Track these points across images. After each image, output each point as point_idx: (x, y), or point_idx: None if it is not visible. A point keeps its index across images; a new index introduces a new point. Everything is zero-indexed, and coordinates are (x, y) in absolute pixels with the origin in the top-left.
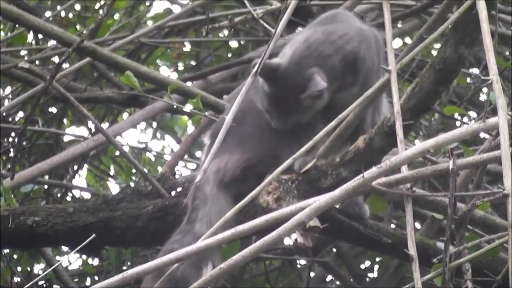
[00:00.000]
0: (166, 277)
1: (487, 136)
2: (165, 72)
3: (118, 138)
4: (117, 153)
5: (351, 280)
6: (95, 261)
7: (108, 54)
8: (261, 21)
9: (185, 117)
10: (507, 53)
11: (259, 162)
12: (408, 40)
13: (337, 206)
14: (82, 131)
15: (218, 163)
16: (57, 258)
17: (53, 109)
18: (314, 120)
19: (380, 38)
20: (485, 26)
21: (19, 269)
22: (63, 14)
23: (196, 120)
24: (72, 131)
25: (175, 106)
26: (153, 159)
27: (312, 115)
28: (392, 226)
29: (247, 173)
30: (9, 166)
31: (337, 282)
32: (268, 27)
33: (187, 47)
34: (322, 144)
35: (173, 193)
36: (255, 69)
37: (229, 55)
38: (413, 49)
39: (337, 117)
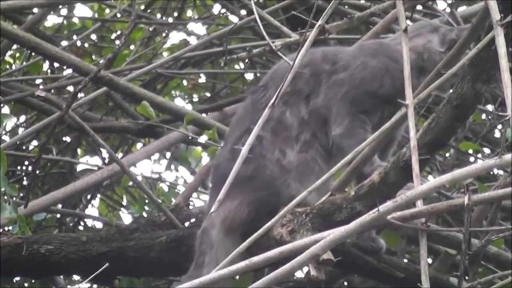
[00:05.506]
0: None
1: (500, 172)
2: (180, 103)
3: (132, 168)
4: (130, 183)
5: None
6: None
7: (125, 84)
8: (280, 53)
9: (199, 148)
10: None
11: (262, 204)
12: None
13: (349, 240)
14: (95, 160)
15: (223, 211)
16: (69, 287)
17: (67, 138)
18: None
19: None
20: (503, 63)
21: None
22: (79, 43)
23: (212, 151)
24: (85, 161)
25: (190, 137)
26: (166, 189)
27: None
28: (405, 260)
29: (254, 215)
30: (22, 194)
31: None
32: (286, 59)
33: (203, 79)
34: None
35: (187, 223)
36: (272, 101)
37: (245, 87)
38: (430, 84)
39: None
